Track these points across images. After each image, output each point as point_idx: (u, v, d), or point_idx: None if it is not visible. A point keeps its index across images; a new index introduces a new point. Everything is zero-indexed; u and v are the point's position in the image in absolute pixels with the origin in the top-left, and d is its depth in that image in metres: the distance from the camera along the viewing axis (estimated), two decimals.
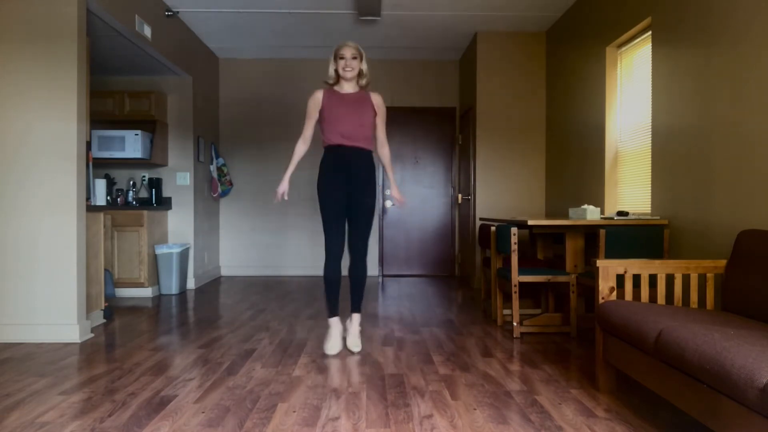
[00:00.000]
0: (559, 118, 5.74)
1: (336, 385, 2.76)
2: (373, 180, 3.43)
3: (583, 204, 5.04)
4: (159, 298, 5.47)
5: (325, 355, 3.32)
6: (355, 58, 3.32)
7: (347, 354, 3.37)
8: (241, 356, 3.30)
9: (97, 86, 6.07)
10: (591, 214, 3.89)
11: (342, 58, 3.32)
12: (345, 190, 3.37)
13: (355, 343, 3.43)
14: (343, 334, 3.57)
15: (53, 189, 3.71)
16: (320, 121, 3.43)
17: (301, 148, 3.49)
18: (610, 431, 2.20)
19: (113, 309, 4.85)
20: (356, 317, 3.51)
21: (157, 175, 6.14)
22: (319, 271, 7.27)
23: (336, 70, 3.37)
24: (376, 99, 3.45)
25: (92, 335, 3.87)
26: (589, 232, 4.05)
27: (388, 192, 7.34)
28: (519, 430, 2.20)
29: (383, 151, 3.54)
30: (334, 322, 3.46)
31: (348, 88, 3.40)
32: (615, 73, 4.60)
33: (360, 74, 3.40)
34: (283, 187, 3.45)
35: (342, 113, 3.33)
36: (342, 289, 5.99)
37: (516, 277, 3.83)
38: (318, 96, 3.40)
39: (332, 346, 3.39)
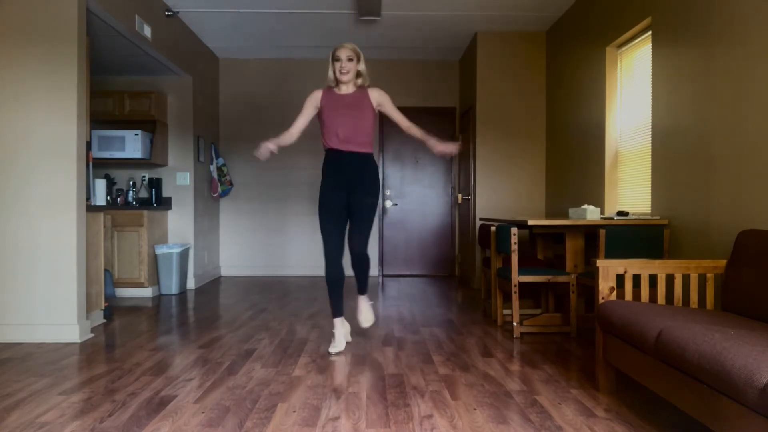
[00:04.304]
0: (559, 118, 5.74)
1: (336, 385, 2.76)
2: (374, 180, 3.42)
3: (583, 204, 5.04)
4: (159, 298, 5.47)
5: (325, 355, 3.32)
6: (351, 59, 3.29)
7: (347, 354, 3.37)
8: (241, 356, 3.30)
9: (97, 86, 6.07)
10: (591, 214, 3.89)
11: (338, 60, 3.29)
12: (344, 194, 3.37)
13: (366, 318, 3.52)
14: (347, 331, 3.60)
15: (53, 189, 3.71)
16: (320, 124, 3.42)
17: (286, 137, 3.36)
18: (610, 431, 2.20)
19: (113, 309, 4.85)
20: (363, 298, 3.58)
21: (157, 175, 6.14)
22: (320, 270, 7.27)
23: (334, 72, 3.34)
24: (374, 93, 3.39)
25: (92, 335, 3.87)
26: (589, 232, 4.05)
27: (388, 192, 7.34)
28: (519, 430, 2.20)
29: (411, 130, 3.44)
30: (339, 323, 3.47)
31: (345, 88, 3.38)
32: (615, 73, 4.60)
33: (358, 75, 3.36)
34: (272, 144, 3.24)
35: (339, 115, 3.31)
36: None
37: (516, 277, 3.83)
38: (317, 95, 3.38)
39: (335, 345, 3.42)
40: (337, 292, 3.45)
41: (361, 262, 3.47)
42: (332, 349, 3.39)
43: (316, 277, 7.17)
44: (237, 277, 7.20)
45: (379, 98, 3.40)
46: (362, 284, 3.59)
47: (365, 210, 3.38)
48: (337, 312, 3.48)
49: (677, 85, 3.58)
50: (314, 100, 3.38)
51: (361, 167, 3.36)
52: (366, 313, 3.60)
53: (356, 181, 3.36)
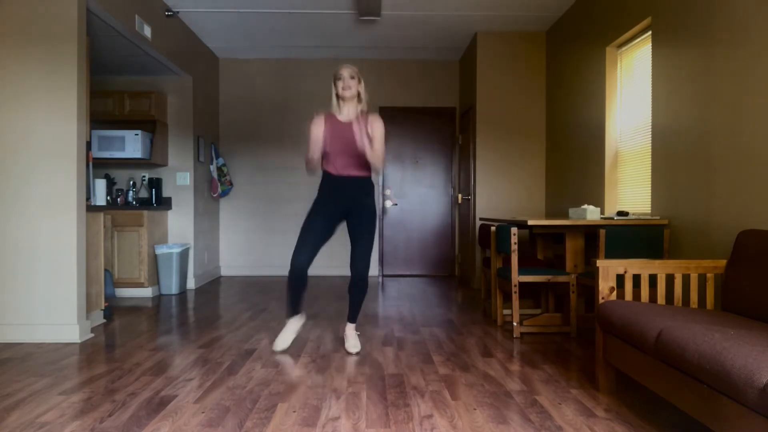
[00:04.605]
0: (559, 118, 5.74)
1: (336, 385, 2.76)
2: (371, 191, 3.44)
3: (583, 204, 5.04)
4: (159, 298, 5.47)
5: (325, 355, 3.32)
6: (352, 77, 3.32)
7: (347, 354, 3.37)
8: (241, 356, 3.30)
9: (97, 86, 6.07)
10: (591, 214, 3.89)
11: (340, 78, 3.33)
12: (341, 204, 3.37)
13: (354, 345, 3.42)
14: (341, 336, 3.55)
15: (53, 189, 3.71)
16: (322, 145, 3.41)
17: (311, 166, 3.42)
18: (610, 431, 2.20)
19: (113, 309, 4.85)
20: (351, 327, 3.51)
21: (157, 175, 6.14)
22: (320, 270, 7.27)
23: (337, 94, 3.37)
24: (374, 124, 3.37)
25: (92, 335, 3.87)
26: (589, 232, 4.05)
27: (388, 192, 7.34)
28: (519, 430, 2.20)
29: (372, 155, 3.30)
30: (294, 320, 3.45)
31: (347, 111, 3.37)
32: (615, 73, 4.60)
33: (359, 96, 3.38)
34: (315, 154, 3.33)
35: (339, 146, 3.33)
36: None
37: (516, 277, 3.83)
38: (319, 122, 3.37)
39: (282, 341, 3.40)
40: (298, 293, 3.37)
41: (360, 286, 3.38)
42: (277, 346, 3.38)
43: (316, 277, 7.17)
44: (237, 277, 7.20)
45: (375, 128, 3.36)
46: (355, 311, 3.48)
47: (365, 211, 3.37)
48: (295, 311, 3.44)
49: (677, 85, 3.58)
50: (318, 123, 3.36)
51: (358, 188, 3.38)
52: (354, 341, 3.45)
53: (354, 192, 3.37)
